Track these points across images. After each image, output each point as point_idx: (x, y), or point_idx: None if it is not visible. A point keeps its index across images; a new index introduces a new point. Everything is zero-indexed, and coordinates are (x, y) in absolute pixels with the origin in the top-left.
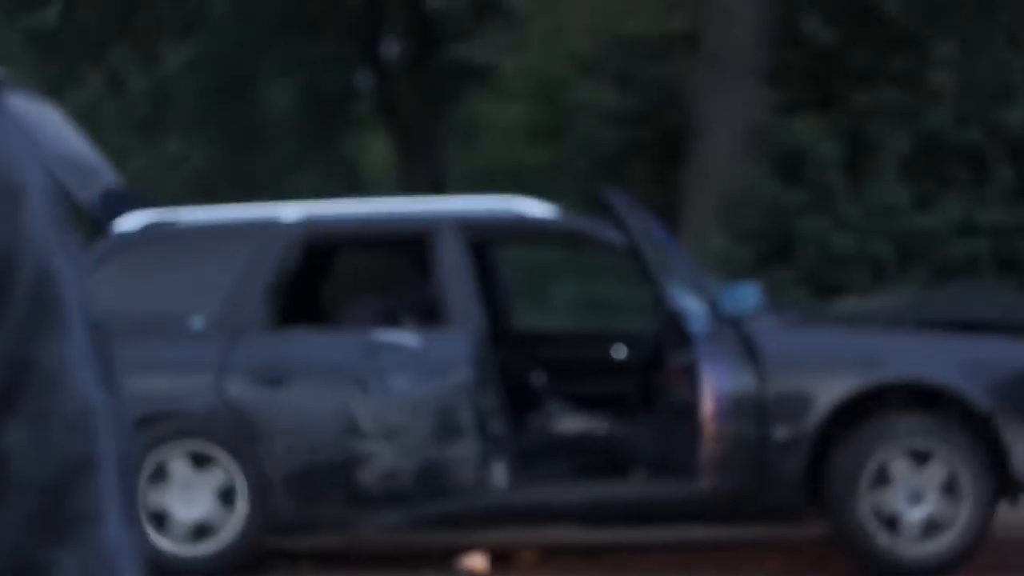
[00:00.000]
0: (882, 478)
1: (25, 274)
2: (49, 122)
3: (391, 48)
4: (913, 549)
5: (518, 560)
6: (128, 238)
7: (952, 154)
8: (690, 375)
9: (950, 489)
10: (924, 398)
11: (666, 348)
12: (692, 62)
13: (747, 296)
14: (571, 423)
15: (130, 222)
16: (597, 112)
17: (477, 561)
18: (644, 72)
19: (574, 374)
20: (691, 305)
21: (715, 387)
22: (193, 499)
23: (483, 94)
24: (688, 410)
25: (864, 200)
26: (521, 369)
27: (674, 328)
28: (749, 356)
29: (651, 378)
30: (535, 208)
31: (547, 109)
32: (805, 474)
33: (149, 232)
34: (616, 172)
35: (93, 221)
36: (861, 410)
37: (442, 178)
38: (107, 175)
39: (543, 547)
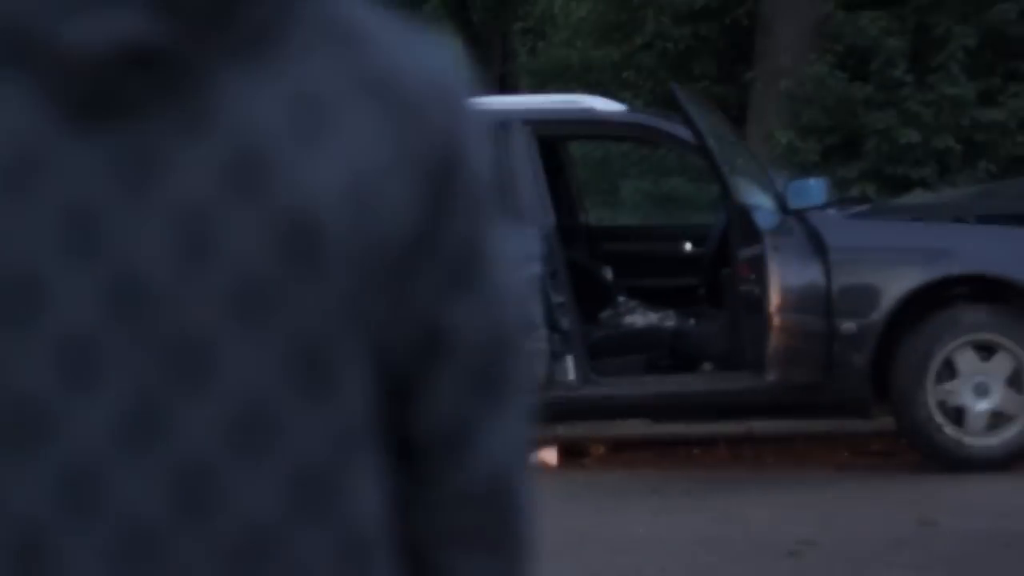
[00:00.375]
0: (948, 371)
1: (468, 164)
2: None
3: None
4: (979, 441)
5: (589, 454)
6: None
7: (1017, 48)
8: (758, 269)
9: (1015, 382)
10: (990, 291)
11: (734, 243)
12: None
13: (813, 190)
14: (640, 318)
15: None
16: (665, 9)
17: (548, 455)
18: None
19: (644, 269)
20: (758, 200)
21: (782, 281)
22: None
23: None
24: (756, 304)
25: (930, 94)
26: (591, 264)
27: (742, 222)
28: (815, 250)
29: (719, 273)
30: (604, 104)
31: (616, 6)
32: (872, 367)
33: None
34: (684, 69)
35: None
36: (927, 303)
37: (511, 76)
38: None
39: (613, 441)
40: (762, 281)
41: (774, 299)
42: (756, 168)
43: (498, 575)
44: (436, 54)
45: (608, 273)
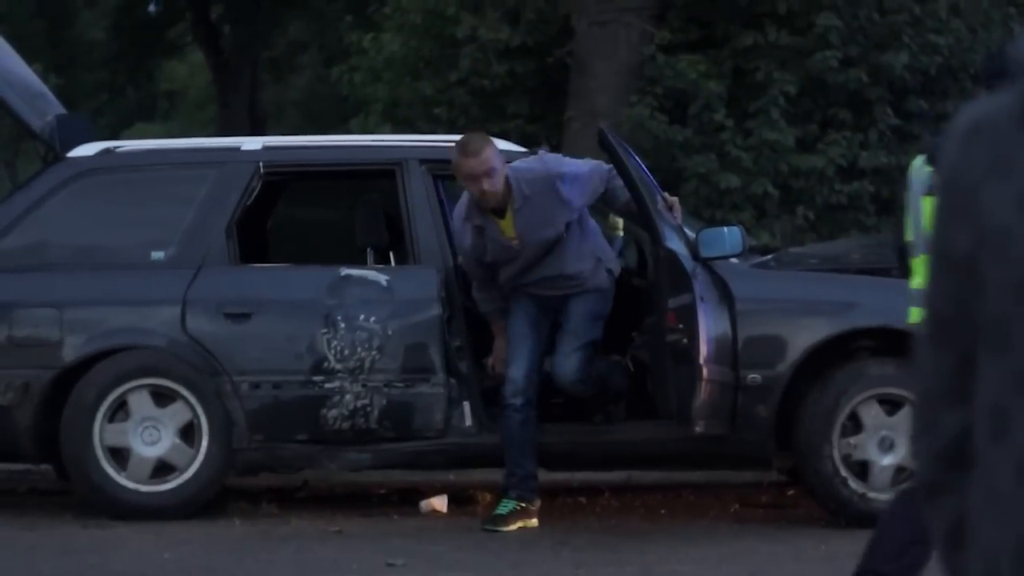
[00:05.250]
0: (854, 424)
1: None
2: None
3: None
4: (884, 496)
5: (476, 502)
6: (85, 165)
7: (836, 96)
8: (685, 319)
9: None
10: (896, 344)
11: (661, 291)
12: None
13: (727, 239)
14: None
15: (84, 150)
16: (484, 46)
17: (438, 502)
18: (530, 7)
19: None
20: (677, 247)
21: (708, 331)
22: (154, 436)
23: (360, 24)
24: (683, 354)
25: (749, 139)
26: None
27: (671, 270)
28: (725, 300)
29: (635, 320)
30: (504, 145)
31: (431, 42)
32: (776, 420)
33: (106, 160)
34: (497, 107)
35: (46, 147)
36: (833, 356)
37: (260, 107)
38: (54, 102)
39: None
40: (691, 331)
41: (703, 350)
42: (669, 215)
43: None
44: None
45: None
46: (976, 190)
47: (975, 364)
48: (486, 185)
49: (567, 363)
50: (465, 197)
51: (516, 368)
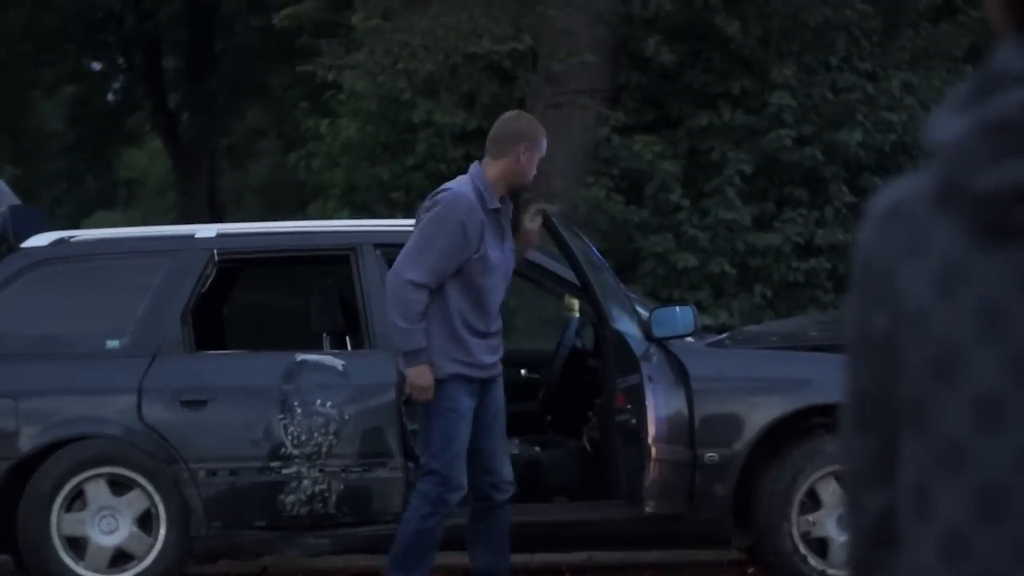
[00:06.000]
0: (812, 501)
1: None
2: None
3: (170, 62)
4: (843, 573)
5: None
6: (39, 255)
7: (791, 174)
8: (634, 399)
9: None
10: None
11: (608, 371)
12: (532, 82)
13: (679, 319)
14: None
15: (38, 240)
16: (440, 130)
17: None
18: (485, 91)
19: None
20: (627, 327)
21: (656, 411)
22: (112, 525)
23: (314, 109)
24: (632, 434)
25: (706, 219)
26: None
27: (618, 351)
28: (678, 379)
29: (591, 400)
30: None
31: (387, 127)
32: (734, 498)
33: (60, 249)
34: None
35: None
36: (790, 433)
37: (219, 194)
38: (8, 193)
39: (456, 570)
40: (639, 411)
41: (651, 430)
42: (622, 295)
43: None
44: None
45: None
46: (893, 272)
47: (897, 444)
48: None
49: (507, 463)
50: (469, 191)
51: (460, 471)
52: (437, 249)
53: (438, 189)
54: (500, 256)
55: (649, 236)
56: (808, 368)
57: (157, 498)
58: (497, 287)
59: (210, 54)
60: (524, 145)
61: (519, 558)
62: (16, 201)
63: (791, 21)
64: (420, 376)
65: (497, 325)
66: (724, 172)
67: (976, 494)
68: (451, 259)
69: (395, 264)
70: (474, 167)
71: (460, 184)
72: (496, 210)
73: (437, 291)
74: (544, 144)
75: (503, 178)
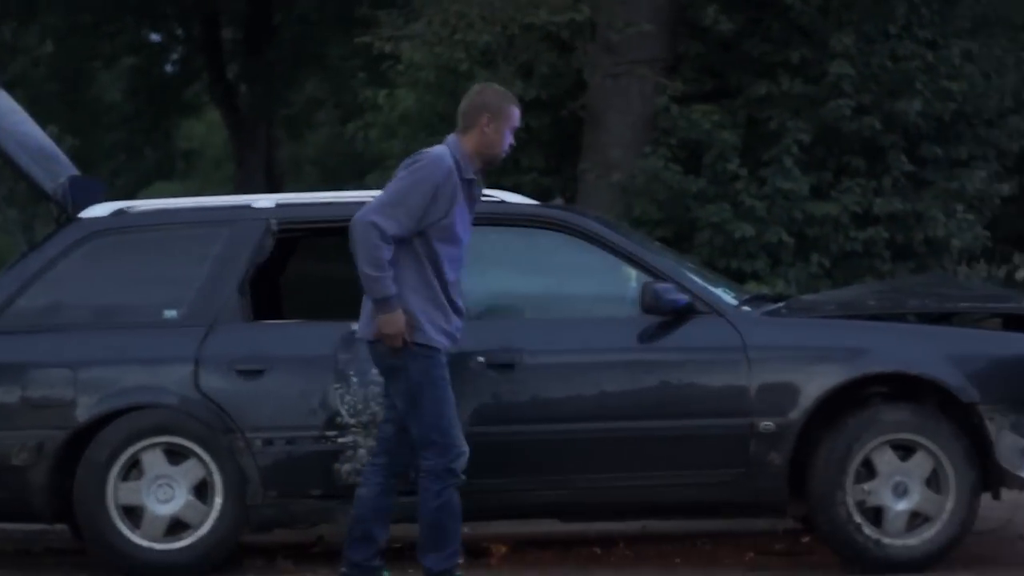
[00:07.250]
0: (867, 471)
1: None
2: (9, 109)
3: (228, 33)
4: (898, 542)
5: (491, 554)
6: (97, 226)
7: (849, 144)
8: None
9: (934, 482)
10: (908, 390)
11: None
12: (590, 52)
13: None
14: None
15: (97, 210)
16: None
17: None
18: (543, 61)
19: None
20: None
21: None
22: (168, 494)
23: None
24: None
25: (763, 188)
26: None
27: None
28: (734, 348)
29: None
30: (515, 198)
31: (445, 97)
32: (789, 466)
33: (118, 220)
34: (511, 160)
35: (59, 209)
36: (846, 402)
37: (277, 165)
38: (67, 163)
39: (517, 541)
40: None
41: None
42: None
43: None
44: None
45: None
46: None
47: None
48: (511, 140)
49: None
50: (447, 155)
51: (458, 435)
52: (409, 205)
53: (416, 153)
54: (464, 230)
55: (706, 206)
56: (865, 337)
57: (213, 467)
58: (455, 260)
59: (268, 25)
60: (487, 116)
61: (575, 527)
62: (75, 172)
63: None
64: (393, 323)
65: (462, 301)
66: (782, 141)
67: None
68: (418, 218)
69: (362, 212)
70: (450, 137)
71: (439, 150)
72: (470, 181)
73: (415, 256)
74: (513, 113)
75: (475, 151)
